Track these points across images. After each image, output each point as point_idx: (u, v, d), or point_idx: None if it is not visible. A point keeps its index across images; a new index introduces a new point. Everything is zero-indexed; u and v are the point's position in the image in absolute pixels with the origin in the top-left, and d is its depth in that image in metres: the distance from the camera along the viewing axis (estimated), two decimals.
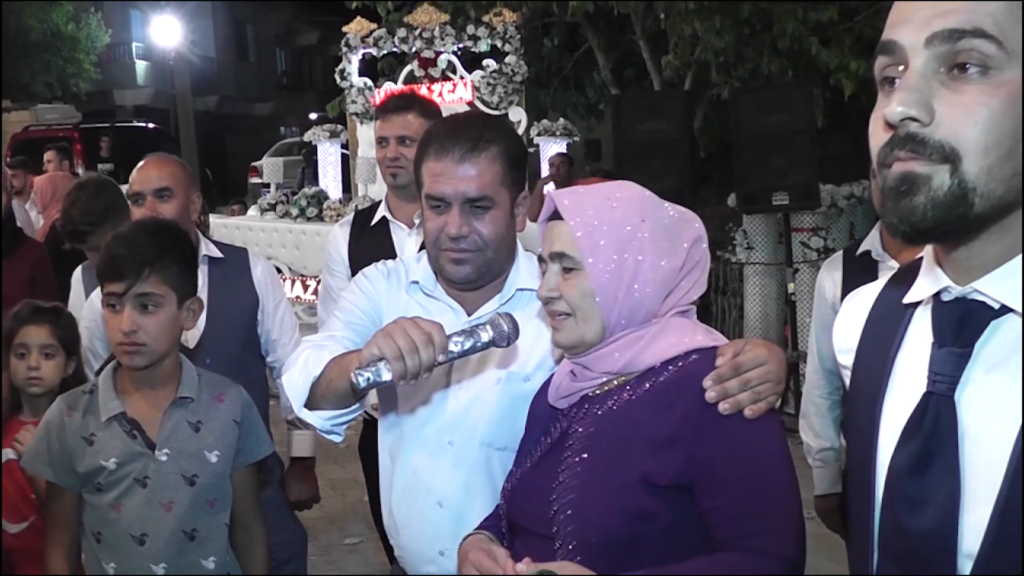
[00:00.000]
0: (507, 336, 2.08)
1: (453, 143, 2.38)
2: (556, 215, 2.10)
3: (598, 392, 2.07)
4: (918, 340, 1.40)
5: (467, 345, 2.06)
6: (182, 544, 2.80)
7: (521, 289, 2.51)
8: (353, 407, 2.30)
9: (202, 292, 3.70)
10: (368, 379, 2.01)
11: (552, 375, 2.28)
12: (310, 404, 2.32)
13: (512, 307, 2.48)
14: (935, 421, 1.32)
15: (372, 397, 2.85)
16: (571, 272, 2.05)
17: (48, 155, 10.91)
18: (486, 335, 2.07)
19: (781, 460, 1.95)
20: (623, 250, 2.02)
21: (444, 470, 2.48)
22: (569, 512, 1.95)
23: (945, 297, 1.36)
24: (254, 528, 3.04)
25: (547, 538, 1.98)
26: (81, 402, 2.85)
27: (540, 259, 2.16)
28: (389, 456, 2.61)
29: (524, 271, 2.54)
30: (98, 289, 3.76)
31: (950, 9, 1.24)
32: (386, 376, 2.00)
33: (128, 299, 2.74)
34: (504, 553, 2.05)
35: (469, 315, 2.51)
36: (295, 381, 2.34)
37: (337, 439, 2.42)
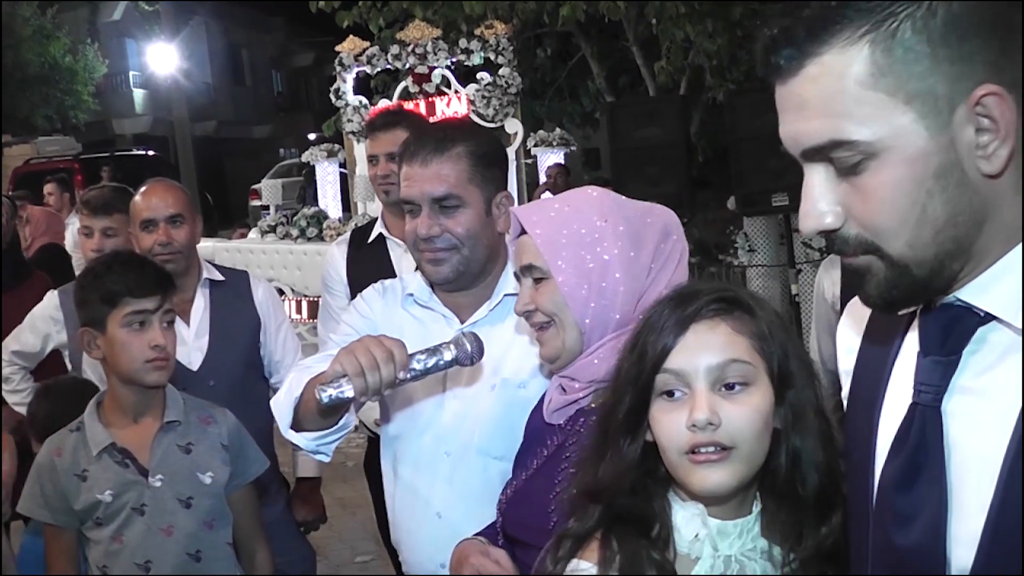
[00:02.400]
0: (470, 355, 2.13)
1: (418, 147, 2.45)
2: (523, 231, 2.13)
3: (592, 404, 2.05)
4: (912, 349, 1.36)
5: (430, 363, 2.10)
6: (188, 567, 2.81)
7: (510, 294, 2.51)
8: (337, 426, 2.31)
9: (204, 315, 3.73)
10: (331, 396, 2.04)
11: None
12: (296, 425, 2.36)
13: (502, 312, 2.51)
14: (921, 432, 1.29)
15: (374, 413, 2.84)
16: (541, 282, 2.09)
17: (48, 187, 10.85)
18: (449, 354, 2.11)
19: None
20: (586, 252, 2.04)
21: (441, 481, 2.49)
22: None
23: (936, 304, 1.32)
24: (258, 550, 3.06)
25: None
26: (69, 441, 2.86)
27: (516, 276, 2.20)
28: (392, 469, 2.63)
29: (512, 276, 2.53)
30: None
31: (805, 121, 1.26)
32: (348, 392, 2.04)
33: (158, 315, 2.83)
34: (503, 554, 2.06)
35: (462, 322, 2.52)
36: (280, 403, 2.40)
37: (324, 459, 2.48)
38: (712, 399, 1.57)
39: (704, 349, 1.60)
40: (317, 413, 2.23)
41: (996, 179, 1.21)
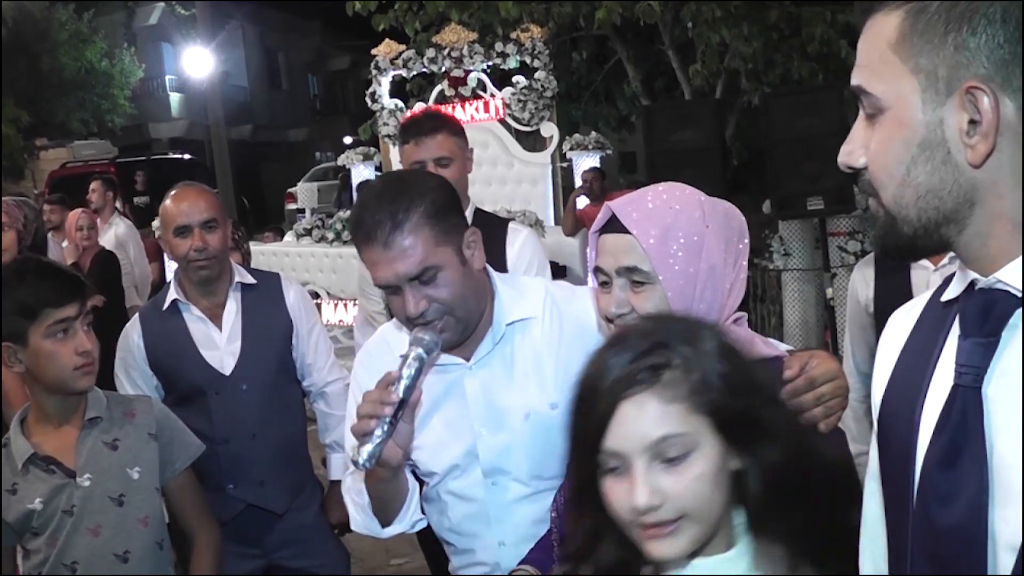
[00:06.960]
0: (431, 343, 2.14)
1: (374, 228, 2.27)
2: (613, 227, 2.04)
3: None
4: (957, 336, 1.38)
5: (412, 370, 2.10)
6: (115, 567, 2.79)
7: (511, 323, 2.47)
8: (409, 493, 2.42)
9: (236, 319, 3.72)
10: (369, 452, 2.06)
11: None
12: (384, 523, 2.45)
13: (508, 342, 2.47)
14: (962, 414, 1.30)
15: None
16: (643, 286, 2.01)
17: (93, 185, 10.75)
18: (415, 354, 2.12)
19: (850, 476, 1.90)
20: (694, 258, 1.99)
21: (495, 511, 2.48)
22: None
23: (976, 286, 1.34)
24: (200, 534, 3.05)
25: None
26: None
27: (597, 270, 2.09)
28: (441, 511, 2.58)
29: (509, 302, 2.49)
30: (135, 323, 3.77)
31: (857, 65, 1.39)
32: (376, 439, 2.05)
33: (80, 320, 2.80)
34: None
35: (468, 360, 2.47)
36: (358, 520, 2.51)
37: (424, 525, 2.53)
38: (652, 477, 1.52)
39: (635, 430, 1.53)
40: (390, 494, 2.37)
41: (978, 169, 1.27)
